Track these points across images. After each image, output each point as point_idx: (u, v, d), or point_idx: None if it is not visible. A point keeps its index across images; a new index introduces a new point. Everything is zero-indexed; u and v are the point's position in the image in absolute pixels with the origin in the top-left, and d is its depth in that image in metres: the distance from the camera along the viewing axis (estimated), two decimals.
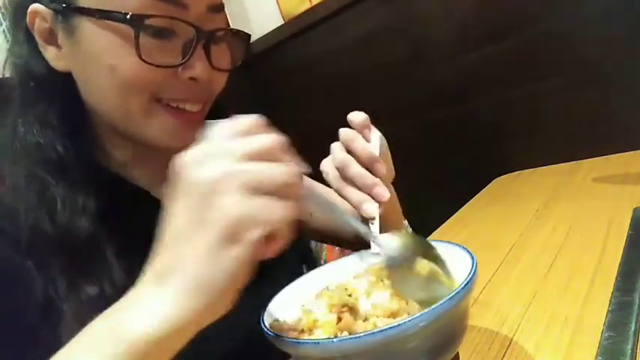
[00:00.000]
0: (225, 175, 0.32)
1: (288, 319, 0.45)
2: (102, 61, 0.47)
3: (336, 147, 0.54)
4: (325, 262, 1.24)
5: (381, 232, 0.51)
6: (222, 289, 0.31)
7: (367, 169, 0.52)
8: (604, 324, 0.46)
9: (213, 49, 0.50)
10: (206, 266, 0.31)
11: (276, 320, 0.45)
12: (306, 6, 1.54)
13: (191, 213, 0.32)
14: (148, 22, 0.46)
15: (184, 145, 0.53)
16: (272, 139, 0.35)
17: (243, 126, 0.35)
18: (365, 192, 0.52)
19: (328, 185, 0.55)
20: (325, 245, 1.22)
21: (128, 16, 0.45)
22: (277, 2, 1.64)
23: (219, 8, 0.51)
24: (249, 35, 0.56)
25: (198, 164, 0.33)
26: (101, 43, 0.47)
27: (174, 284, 0.31)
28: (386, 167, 0.54)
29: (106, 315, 0.34)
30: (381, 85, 1.44)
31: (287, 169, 0.34)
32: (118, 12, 0.45)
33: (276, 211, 0.32)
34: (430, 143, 1.40)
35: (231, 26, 0.56)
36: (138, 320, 0.31)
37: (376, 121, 0.56)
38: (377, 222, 0.51)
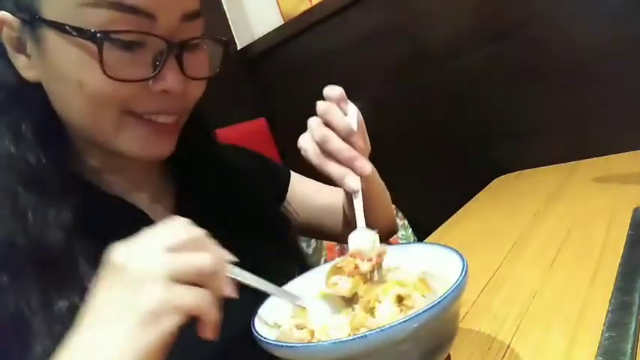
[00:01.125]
0: (150, 264, 0.35)
1: (295, 331, 0.44)
2: (69, 75, 0.46)
3: (314, 122, 0.54)
4: (326, 261, 1.25)
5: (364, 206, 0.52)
6: None
7: (345, 141, 0.52)
8: (604, 324, 0.46)
9: (188, 58, 0.48)
10: (124, 346, 0.34)
11: (283, 333, 0.44)
12: (306, 6, 1.54)
13: (116, 296, 0.35)
14: (113, 37, 0.44)
15: (157, 155, 0.52)
16: (196, 232, 0.38)
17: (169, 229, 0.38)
18: (346, 166, 0.52)
19: (305, 163, 0.55)
20: (326, 244, 1.22)
21: (91, 33, 0.43)
22: (277, 2, 1.64)
23: (194, 16, 0.49)
24: (228, 41, 0.54)
25: (127, 254, 0.36)
26: (67, 57, 0.45)
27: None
28: (363, 141, 0.54)
29: None
30: (380, 85, 1.44)
31: (209, 258, 0.37)
32: (80, 28, 0.43)
33: (195, 299, 0.36)
34: (430, 143, 1.40)
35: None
36: None
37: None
38: (360, 195, 0.52)
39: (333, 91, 0.54)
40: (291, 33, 1.60)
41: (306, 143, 0.54)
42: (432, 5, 1.27)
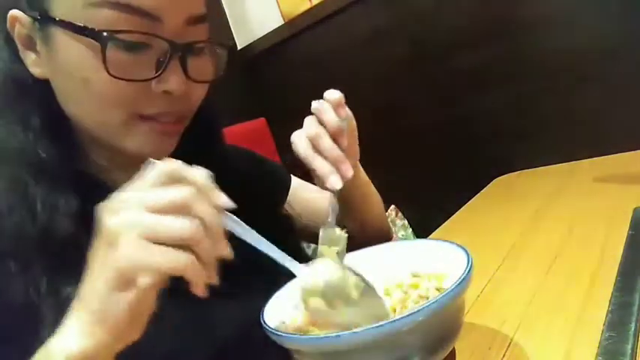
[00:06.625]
0: (127, 223, 0.34)
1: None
2: (75, 73, 0.47)
3: (309, 120, 0.57)
4: None
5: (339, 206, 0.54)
6: (124, 324, 0.35)
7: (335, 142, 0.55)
8: (604, 324, 0.46)
9: (192, 61, 0.49)
10: (105, 303, 0.34)
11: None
12: (306, 6, 1.54)
13: (98, 254, 0.36)
14: (118, 36, 0.45)
15: (162, 154, 0.52)
16: (185, 191, 0.35)
17: (164, 176, 0.36)
18: (333, 165, 0.54)
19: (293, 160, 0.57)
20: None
21: (96, 32, 0.44)
22: (277, 2, 1.64)
23: (199, 20, 0.50)
24: (232, 46, 0.56)
25: (111, 212, 0.35)
26: (74, 55, 0.46)
27: (81, 316, 0.36)
28: (351, 144, 0.58)
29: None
30: (381, 85, 1.44)
31: (187, 223, 0.34)
32: (86, 26, 0.44)
33: (168, 260, 0.34)
34: (430, 143, 1.40)
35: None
36: (61, 343, 0.36)
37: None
38: (336, 195, 0.55)
39: (332, 94, 0.57)
40: (291, 33, 1.60)
41: (298, 138, 0.56)
42: (432, 5, 1.27)
